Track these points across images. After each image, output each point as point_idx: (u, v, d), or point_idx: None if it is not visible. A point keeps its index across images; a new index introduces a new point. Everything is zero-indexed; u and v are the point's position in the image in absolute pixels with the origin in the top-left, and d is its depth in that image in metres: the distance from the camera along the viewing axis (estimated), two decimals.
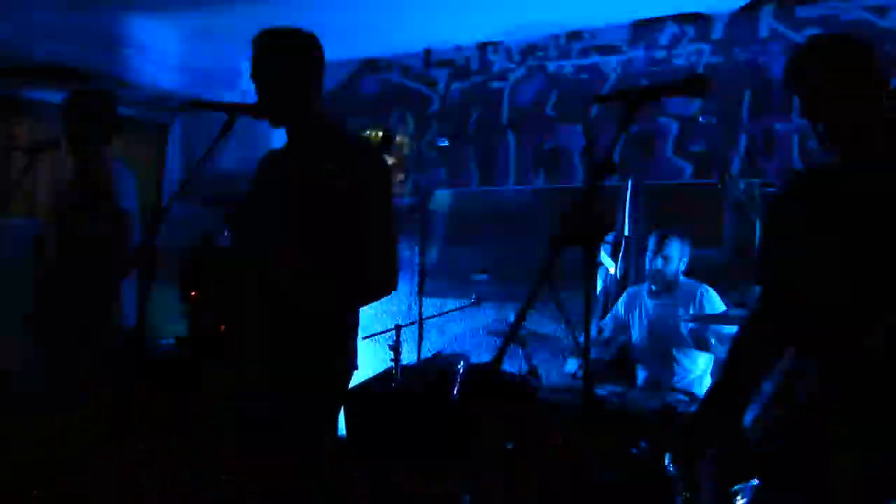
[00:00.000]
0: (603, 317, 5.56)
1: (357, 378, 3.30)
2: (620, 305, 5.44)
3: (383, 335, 5.57)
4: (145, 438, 4.47)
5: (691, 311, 5.02)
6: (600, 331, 5.45)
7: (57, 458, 5.07)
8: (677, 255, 5.17)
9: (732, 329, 4.70)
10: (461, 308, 6.13)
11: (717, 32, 5.85)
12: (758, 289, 2.70)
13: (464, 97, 6.89)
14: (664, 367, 5.15)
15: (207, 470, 4.93)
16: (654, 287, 5.26)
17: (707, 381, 5.12)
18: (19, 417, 5.22)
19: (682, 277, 5.23)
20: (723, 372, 2.67)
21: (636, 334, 5.31)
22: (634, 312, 5.36)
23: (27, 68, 5.92)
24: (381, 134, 6.75)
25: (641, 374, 5.29)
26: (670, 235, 5.16)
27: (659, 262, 5.16)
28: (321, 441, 3.14)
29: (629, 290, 5.48)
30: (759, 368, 2.56)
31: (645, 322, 5.27)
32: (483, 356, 6.33)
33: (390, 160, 6.97)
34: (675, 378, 5.09)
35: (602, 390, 4.51)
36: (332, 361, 3.13)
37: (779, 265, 2.58)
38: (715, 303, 5.06)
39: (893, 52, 5.13)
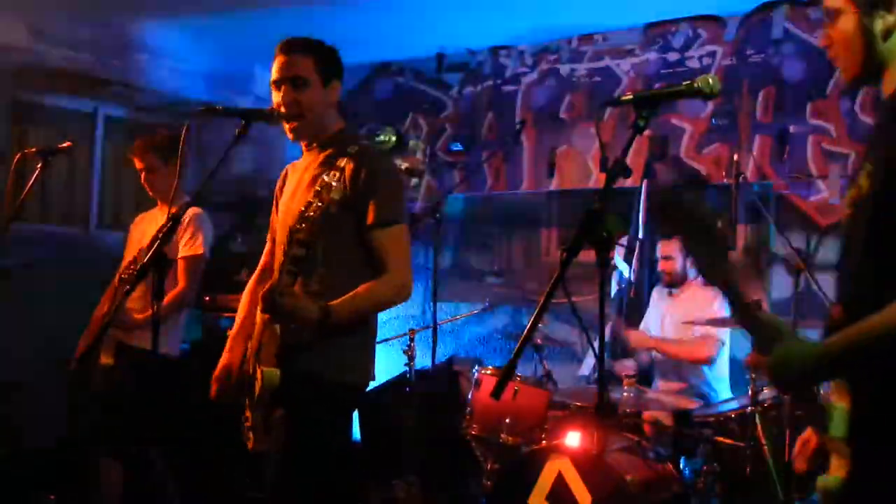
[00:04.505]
0: (619, 317, 5.58)
1: (371, 383, 3.30)
2: (649, 310, 5.51)
3: (397, 340, 5.56)
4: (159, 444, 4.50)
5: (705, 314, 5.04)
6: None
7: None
8: (680, 253, 5.18)
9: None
10: (475, 312, 6.12)
11: (731, 34, 5.83)
12: None
13: (476, 101, 6.89)
14: (679, 370, 5.14)
15: (220, 477, 4.95)
16: (671, 290, 5.29)
17: (721, 385, 5.11)
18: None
19: (700, 280, 5.24)
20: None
21: (655, 333, 5.33)
22: (653, 313, 5.38)
23: (43, 74, 5.95)
24: (393, 138, 6.76)
25: (657, 377, 5.28)
26: (672, 236, 5.21)
27: (663, 264, 5.27)
28: (334, 448, 3.14)
29: (655, 289, 5.51)
30: None
31: (661, 324, 5.27)
32: (497, 360, 6.32)
33: (403, 164, 6.97)
34: (690, 381, 5.08)
35: (616, 394, 4.50)
36: (330, 373, 3.11)
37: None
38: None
39: None
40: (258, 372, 3.00)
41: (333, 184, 2.84)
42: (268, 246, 3.47)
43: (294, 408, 3.04)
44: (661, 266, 5.33)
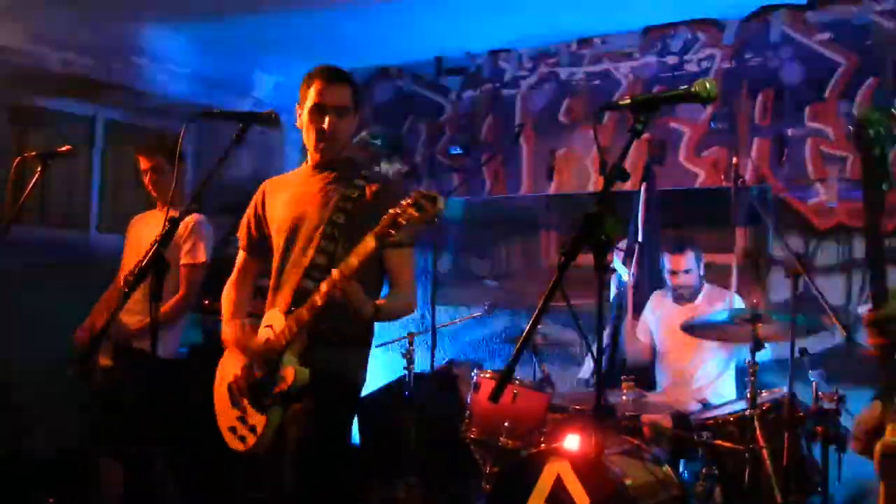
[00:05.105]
0: (617, 322, 5.55)
1: (370, 386, 3.34)
2: (647, 311, 5.46)
3: (397, 343, 5.57)
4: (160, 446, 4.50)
5: (723, 309, 5.04)
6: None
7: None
8: (696, 263, 5.16)
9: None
10: (474, 316, 6.13)
11: (729, 38, 5.83)
12: None
13: (476, 105, 6.90)
14: (683, 373, 5.14)
15: (220, 477, 4.95)
16: (682, 294, 5.24)
17: (721, 388, 5.11)
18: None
19: (706, 284, 5.24)
20: None
21: (659, 339, 5.32)
22: (658, 316, 5.36)
23: (43, 78, 5.95)
24: (388, 141, 6.78)
25: (660, 380, 5.27)
26: (684, 248, 5.15)
27: (682, 278, 5.17)
28: (336, 449, 3.17)
29: (655, 293, 5.46)
30: None
31: (669, 326, 5.24)
32: (497, 364, 6.33)
33: (403, 168, 6.98)
34: (693, 383, 5.08)
35: (615, 397, 4.50)
36: (351, 374, 3.22)
37: None
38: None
39: None
40: (287, 370, 3.02)
41: (401, 216, 2.80)
42: (242, 255, 3.52)
43: (318, 406, 3.09)
44: (676, 280, 5.19)
